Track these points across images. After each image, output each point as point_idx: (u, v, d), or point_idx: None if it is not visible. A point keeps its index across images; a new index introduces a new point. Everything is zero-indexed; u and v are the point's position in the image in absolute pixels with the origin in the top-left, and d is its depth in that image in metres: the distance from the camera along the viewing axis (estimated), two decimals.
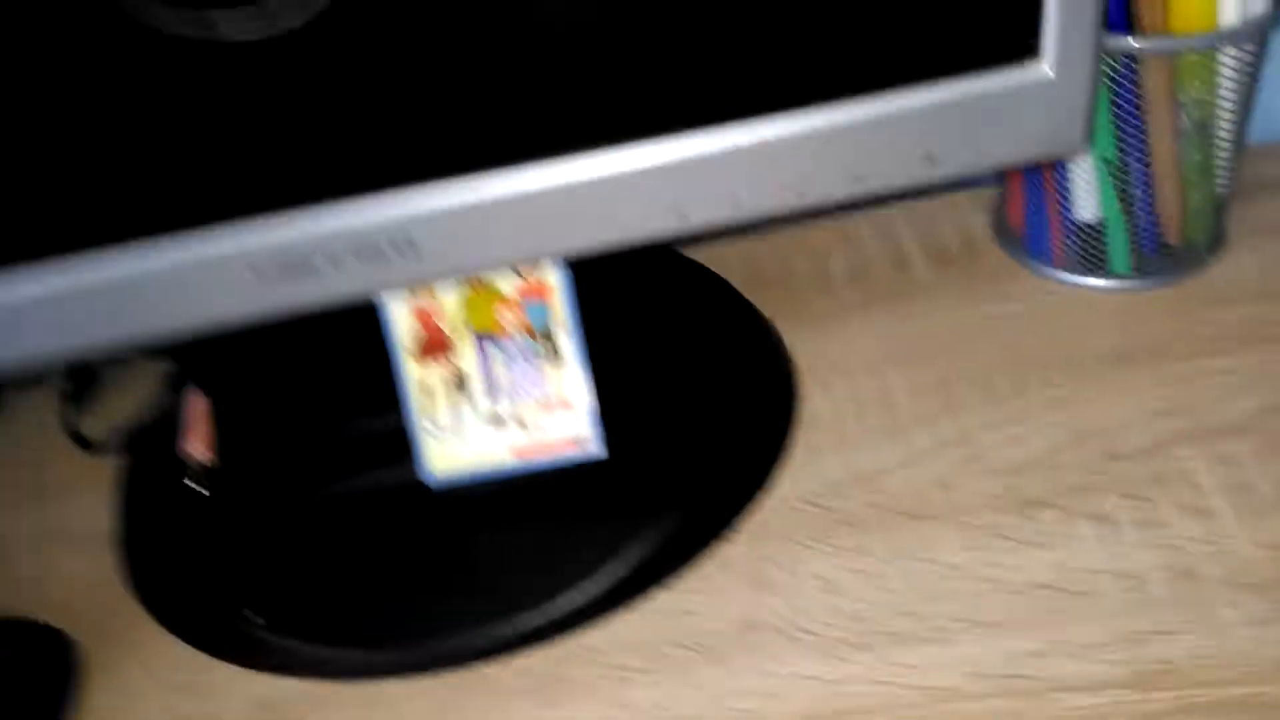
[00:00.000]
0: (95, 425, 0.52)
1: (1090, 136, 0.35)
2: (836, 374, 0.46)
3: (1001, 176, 0.50)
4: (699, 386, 0.44)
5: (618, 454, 0.42)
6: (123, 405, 0.53)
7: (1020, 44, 0.33)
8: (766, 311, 0.49)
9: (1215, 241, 0.48)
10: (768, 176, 0.34)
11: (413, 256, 0.34)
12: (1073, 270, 0.47)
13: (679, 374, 0.45)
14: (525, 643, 0.38)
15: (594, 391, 0.41)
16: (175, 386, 0.50)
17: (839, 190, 0.34)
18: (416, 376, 0.41)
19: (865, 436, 0.43)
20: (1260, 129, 0.54)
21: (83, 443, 0.50)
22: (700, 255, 0.52)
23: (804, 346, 0.47)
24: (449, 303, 0.41)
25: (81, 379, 0.53)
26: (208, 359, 0.49)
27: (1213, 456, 0.40)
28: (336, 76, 0.31)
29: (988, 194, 0.53)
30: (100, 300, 0.32)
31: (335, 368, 0.45)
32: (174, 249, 0.33)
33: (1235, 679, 0.33)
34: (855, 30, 0.32)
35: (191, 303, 0.33)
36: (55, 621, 0.43)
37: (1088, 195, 0.45)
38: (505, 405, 0.41)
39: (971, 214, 0.52)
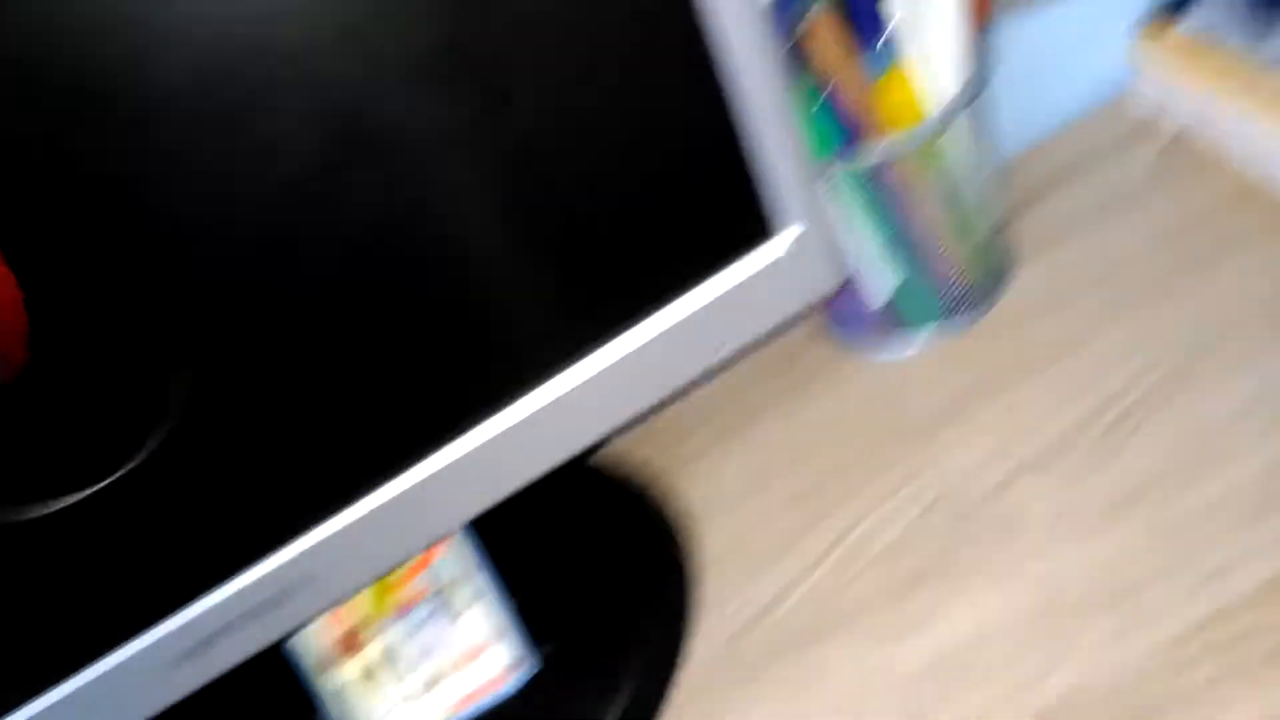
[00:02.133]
0: None
1: (843, 272, 0.40)
2: (718, 511, 0.50)
3: None
4: (601, 572, 0.49)
5: (550, 664, 0.46)
6: None
7: (756, 228, 0.37)
8: (644, 470, 0.53)
9: (1004, 268, 0.52)
10: (584, 417, 0.38)
11: (313, 588, 0.38)
12: (891, 343, 0.52)
13: (579, 568, 0.49)
14: None
15: (509, 619, 0.46)
16: None
17: (649, 401, 0.38)
18: (337, 678, 0.45)
19: (761, 563, 0.47)
20: (1012, 142, 0.59)
21: None
22: None
23: (684, 493, 0.52)
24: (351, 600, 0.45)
25: None
26: None
27: (1045, 484, 0.44)
28: (207, 482, 0.36)
29: None
30: None
31: (255, 697, 0.48)
32: (88, 676, 0.37)
33: (1118, 697, 0.37)
34: (623, 271, 0.36)
35: (119, 710, 0.37)
36: None
37: (881, 275, 0.50)
38: (432, 665, 0.46)
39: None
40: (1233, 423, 0.42)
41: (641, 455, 0.54)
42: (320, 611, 0.41)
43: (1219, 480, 0.41)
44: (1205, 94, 0.53)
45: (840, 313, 0.53)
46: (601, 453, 0.55)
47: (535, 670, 0.46)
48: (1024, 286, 0.52)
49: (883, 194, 0.47)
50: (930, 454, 0.48)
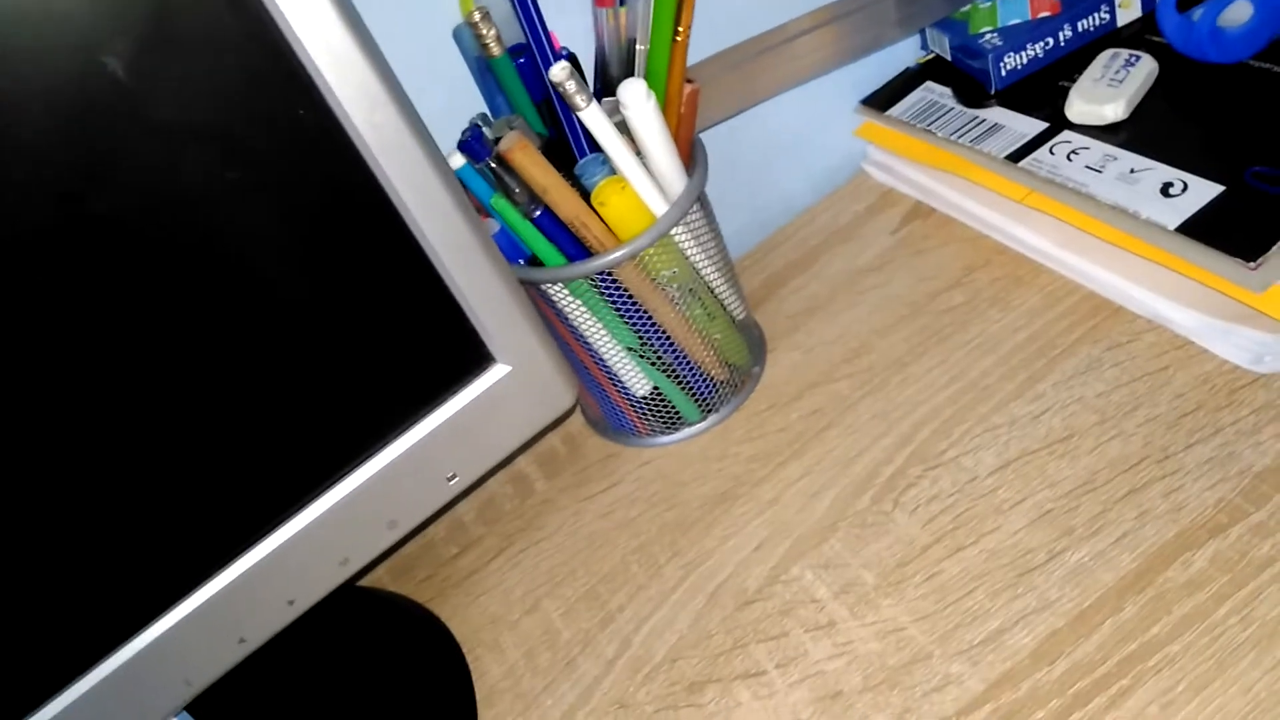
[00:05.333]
0: None
1: (572, 392, 0.39)
2: (500, 628, 0.47)
3: None
4: (381, 700, 0.45)
5: None
6: None
7: (472, 359, 0.36)
8: (420, 592, 0.50)
9: (758, 352, 0.53)
10: (316, 561, 0.35)
11: None
12: (658, 434, 0.52)
13: (358, 695, 0.45)
14: None
15: None
16: None
17: (381, 543, 0.35)
18: None
19: (540, 686, 0.45)
20: (753, 232, 0.61)
21: None
22: None
23: (464, 613, 0.49)
24: None
25: None
26: None
27: (818, 565, 0.44)
28: None
29: None
30: None
31: None
32: None
33: None
34: (342, 412, 0.34)
35: None
36: None
37: (635, 375, 0.50)
38: None
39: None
40: (992, 481, 0.44)
41: (421, 572, 0.51)
42: None
43: (985, 542, 0.42)
44: (929, 172, 0.56)
45: (609, 408, 0.52)
46: (379, 568, 0.52)
47: None
48: (781, 369, 0.53)
49: (623, 299, 0.46)
50: (709, 544, 0.47)
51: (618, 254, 0.45)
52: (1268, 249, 0.41)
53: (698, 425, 0.51)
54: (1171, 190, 0.45)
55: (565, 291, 0.46)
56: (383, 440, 0.35)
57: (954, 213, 0.55)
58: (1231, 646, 0.36)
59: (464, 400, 0.35)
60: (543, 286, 0.46)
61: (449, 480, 0.36)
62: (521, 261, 0.47)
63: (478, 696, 0.45)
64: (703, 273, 0.49)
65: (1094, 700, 0.36)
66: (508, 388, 0.36)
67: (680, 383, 0.50)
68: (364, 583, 0.52)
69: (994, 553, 0.41)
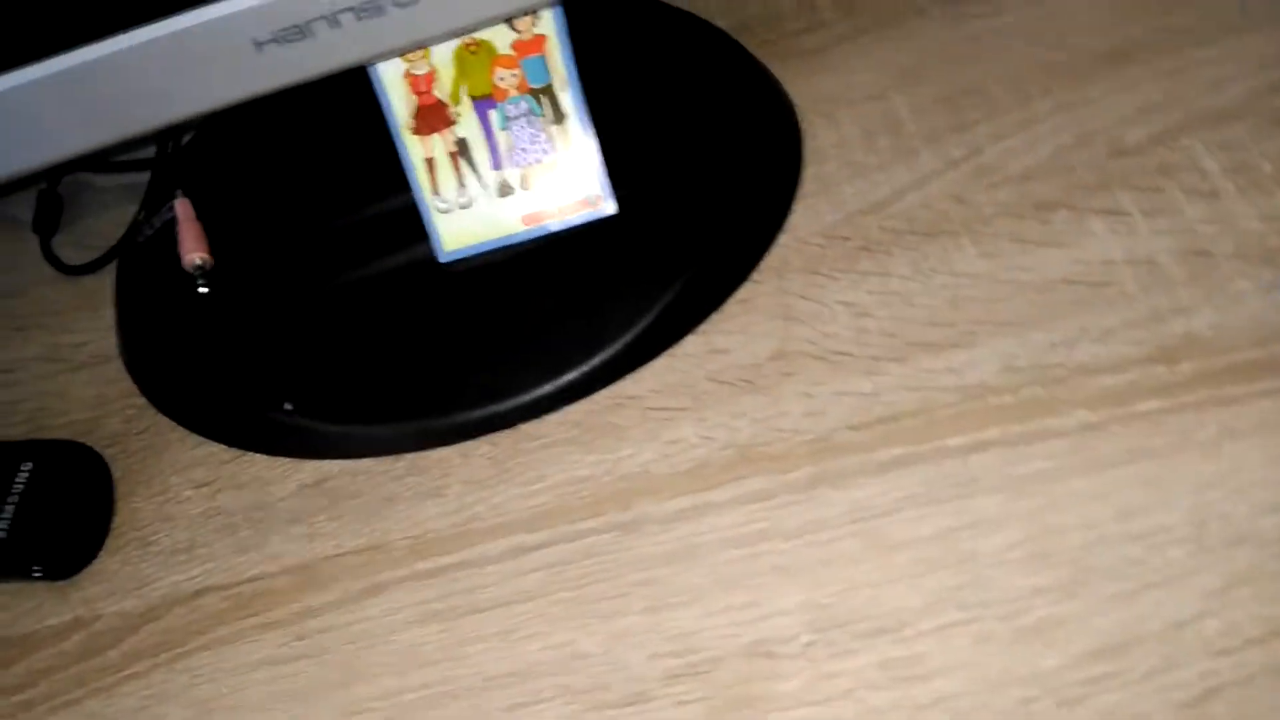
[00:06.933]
0: (72, 248, 0.50)
1: None
2: (838, 105, 0.45)
3: None
4: (701, 133, 0.44)
5: (630, 210, 0.41)
6: (94, 225, 0.51)
7: None
8: (758, 54, 0.48)
9: None
10: None
11: (412, 10, 0.33)
12: None
13: (680, 123, 0.44)
14: (564, 399, 0.39)
15: (600, 148, 0.41)
16: (155, 195, 0.48)
17: None
18: (417, 151, 0.40)
19: (874, 163, 0.43)
20: None
21: (64, 267, 0.49)
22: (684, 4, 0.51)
23: (801, 83, 0.46)
24: (444, 68, 0.39)
25: (47, 204, 0.51)
26: (186, 159, 0.47)
27: (1213, 142, 0.40)
28: None
29: None
30: (102, 91, 0.31)
31: (329, 150, 0.44)
32: (172, 27, 0.31)
33: (1252, 343, 0.35)
34: None
35: (190, 85, 0.32)
36: (80, 440, 0.43)
37: None
38: (511, 171, 0.41)
39: None
40: None
41: (764, 38, 0.48)
42: (414, 40, 0.35)
43: None
44: None
45: None
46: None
47: (613, 212, 0.41)
48: None
49: None
50: (1089, 93, 0.43)
51: None
52: None
53: None
54: None
55: None
56: None
57: None
58: None
59: None
60: None
61: None
62: None
63: (805, 155, 0.44)
64: None
65: None
66: None
67: None
68: None
69: None
